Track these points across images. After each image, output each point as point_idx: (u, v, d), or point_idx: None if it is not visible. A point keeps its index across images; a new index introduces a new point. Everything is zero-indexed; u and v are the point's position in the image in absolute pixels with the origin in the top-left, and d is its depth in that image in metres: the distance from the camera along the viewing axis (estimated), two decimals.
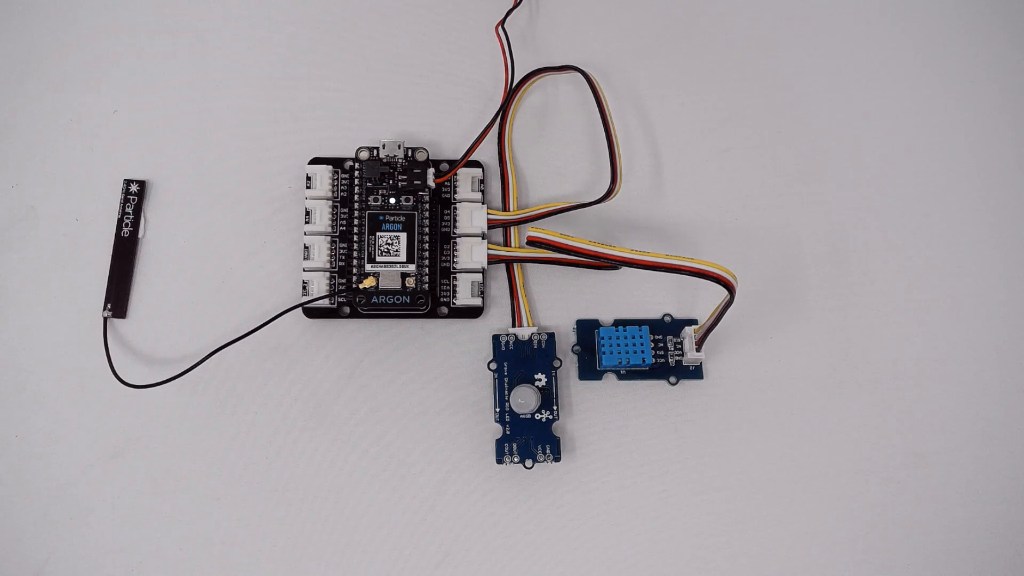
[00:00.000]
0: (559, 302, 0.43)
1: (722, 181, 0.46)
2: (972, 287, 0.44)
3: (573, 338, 0.43)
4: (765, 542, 0.40)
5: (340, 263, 0.42)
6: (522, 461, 0.40)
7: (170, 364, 0.41)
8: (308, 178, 0.43)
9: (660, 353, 0.42)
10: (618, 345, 0.40)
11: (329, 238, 0.42)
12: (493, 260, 0.43)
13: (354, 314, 0.42)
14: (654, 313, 0.43)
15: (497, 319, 0.43)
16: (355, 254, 0.42)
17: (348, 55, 0.47)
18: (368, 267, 0.41)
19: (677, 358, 0.42)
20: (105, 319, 0.41)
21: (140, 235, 0.43)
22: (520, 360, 0.42)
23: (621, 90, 0.47)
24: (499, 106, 0.45)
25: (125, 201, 0.43)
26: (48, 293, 0.42)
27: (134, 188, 0.44)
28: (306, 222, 0.42)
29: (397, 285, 0.40)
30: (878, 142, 0.47)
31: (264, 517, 0.40)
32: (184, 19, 0.47)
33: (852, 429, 0.42)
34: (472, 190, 0.44)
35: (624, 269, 0.43)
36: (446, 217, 0.43)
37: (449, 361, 0.42)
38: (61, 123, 0.45)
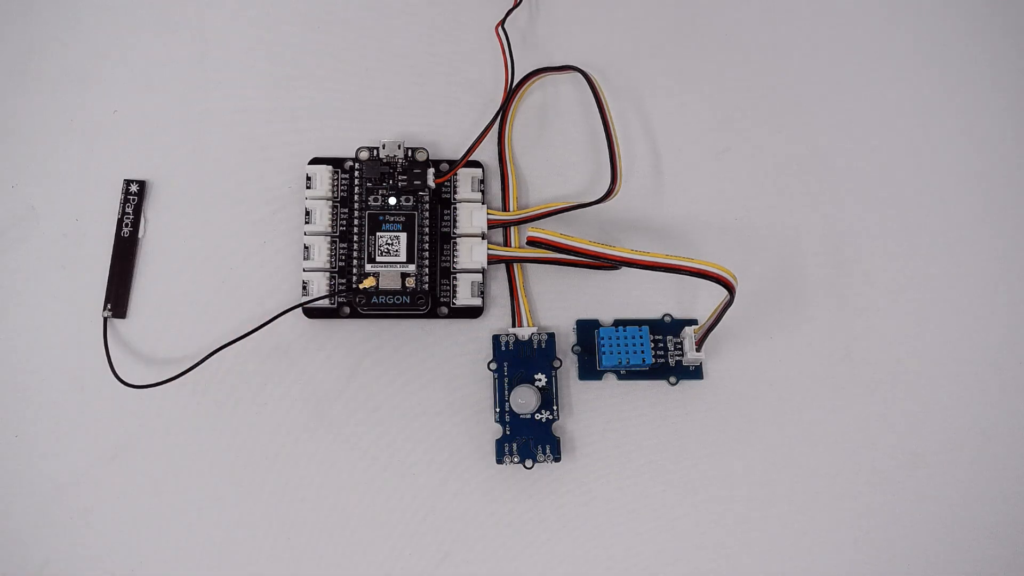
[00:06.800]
0: (559, 302, 0.43)
1: (722, 181, 0.46)
2: (972, 287, 0.44)
3: (573, 338, 0.43)
4: (765, 542, 0.40)
5: (340, 263, 0.42)
6: (522, 461, 0.40)
7: (170, 364, 0.41)
8: (308, 178, 0.43)
9: (660, 353, 0.42)
10: (618, 345, 0.40)
11: (329, 238, 0.42)
12: (493, 260, 0.43)
13: (354, 314, 0.42)
14: (654, 313, 0.43)
15: (497, 319, 0.43)
16: (355, 254, 0.42)
17: (348, 55, 0.47)
18: (368, 267, 0.41)
19: (677, 358, 0.42)
20: (105, 319, 0.41)
21: (140, 235, 0.43)
22: (520, 360, 0.42)
23: (621, 90, 0.47)
24: (499, 106, 0.45)
25: (125, 201, 0.43)
26: (48, 293, 0.42)
27: (134, 188, 0.44)
28: (306, 222, 0.42)
29: (397, 285, 0.40)
30: (878, 142, 0.47)
31: (264, 517, 0.40)
32: (184, 19, 0.47)
33: (852, 429, 0.42)
34: (472, 190, 0.44)
35: (624, 269, 0.43)
36: (446, 217, 0.43)
37: (449, 361, 0.42)
38: (61, 123, 0.45)
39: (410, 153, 0.43)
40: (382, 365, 0.42)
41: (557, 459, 0.40)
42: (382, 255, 0.41)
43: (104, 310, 0.42)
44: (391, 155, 0.42)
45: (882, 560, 0.40)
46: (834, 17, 0.49)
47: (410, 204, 0.42)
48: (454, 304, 0.42)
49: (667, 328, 0.43)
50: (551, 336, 0.42)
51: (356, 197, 0.42)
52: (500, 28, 0.46)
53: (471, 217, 0.43)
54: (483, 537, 0.40)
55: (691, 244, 0.44)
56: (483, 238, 0.43)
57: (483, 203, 0.44)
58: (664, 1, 0.49)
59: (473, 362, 0.42)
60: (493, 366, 0.42)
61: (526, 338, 0.42)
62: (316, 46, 0.47)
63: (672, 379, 0.42)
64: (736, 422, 0.42)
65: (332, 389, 0.41)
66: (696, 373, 0.42)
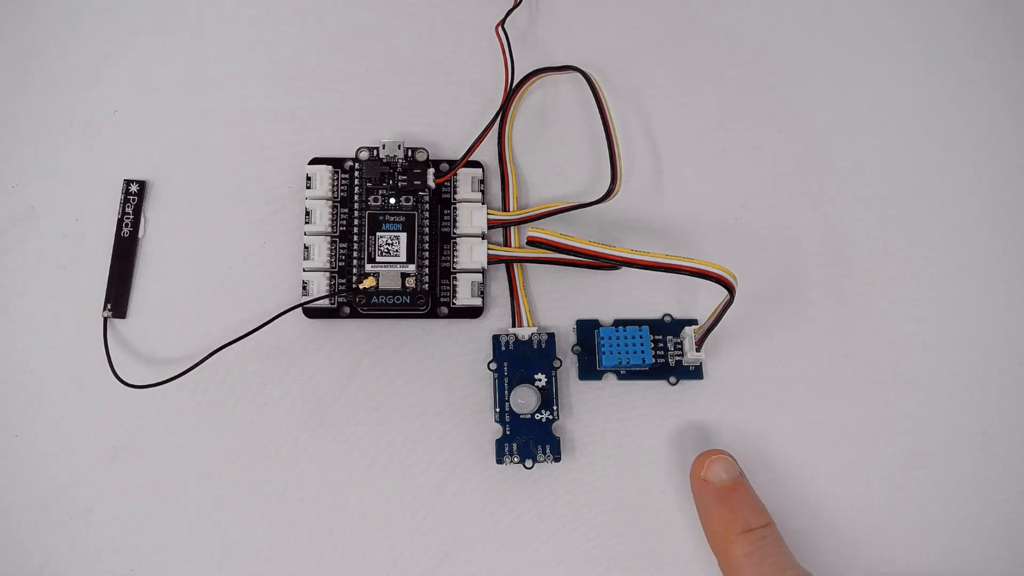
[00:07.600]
0: (559, 302, 0.43)
1: (722, 181, 0.46)
2: (972, 287, 0.44)
3: (573, 338, 0.43)
4: None
5: (340, 263, 0.42)
6: (522, 461, 0.40)
7: (170, 364, 0.41)
8: (308, 178, 0.43)
9: (660, 353, 0.42)
10: (618, 345, 0.40)
11: (329, 238, 0.42)
12: (493, 260, 0.43)
13: (354, 314, 0.42)
14: (654, 313, 0.43)
15: (497, 319, 0.43)
16: (355, 254, 0.42)
17: (348, 55, 0.47)
18: (368, 267, 0.41)
19: (677, 358, 0.42)
20: (105, 319, 0.41)
21: (140, 235, 0.43)
22: (520, 360, 0.42)
23: (621, 90, 0.47)
24: (499, 106, 0.45)
25: (125, 201, 0.43)
26: (48, 293, 0.42)
27: (134, 188, 0.44)
28: (306, 222, 0.42)
29: (397, 285, 0.40)
30: (878, 142, 0.47)
31: (264, 517, 0.40)
32: (184, 19, 0.47)
33: (852, 429, 0.42)
34: (472, 190, 0.44)
35: (624, 269, 0.43)
36: (446, 217, 0.43)
37: (449, 361, 0.42)
38: (61, 123, 0.45)
39: (410, 153, 0.43)
40: (382, 365, 0.42)
41: (557, 459, 0.40)
42: (382, 255, 0.41)
43: (104, 310, 0.42)
44: (391, 155, 0.42)
45: (882, 560, 0.40)
46: (834, 17, 0.49)
47: (410, 204, 0.42)
48: (454, 304, 0.42)
49: (667, 328, 0.43)
50: (551, 336, 0.42)
51: (356, 197, 0.42)
52: (500, 28, 0.46)
53: (471, 217, 0.43)
54: (483, 537, 0.40)
55: (691, 244, 0.44)
56: (483, 238, 0.43)
57: (483, 203, 0.44)
58: (664, 1, 0.49)
59: (473, 362, 0.42)
60: (493, 366, 0.42)
61: (526, 338, 0.42)
62: (316, 46, 0.47)
63: (672, 379, 0.42)
64: (736, 422, 0.42)
65: (332, 389, 0.41)
66: (696, 373, 0.42)
